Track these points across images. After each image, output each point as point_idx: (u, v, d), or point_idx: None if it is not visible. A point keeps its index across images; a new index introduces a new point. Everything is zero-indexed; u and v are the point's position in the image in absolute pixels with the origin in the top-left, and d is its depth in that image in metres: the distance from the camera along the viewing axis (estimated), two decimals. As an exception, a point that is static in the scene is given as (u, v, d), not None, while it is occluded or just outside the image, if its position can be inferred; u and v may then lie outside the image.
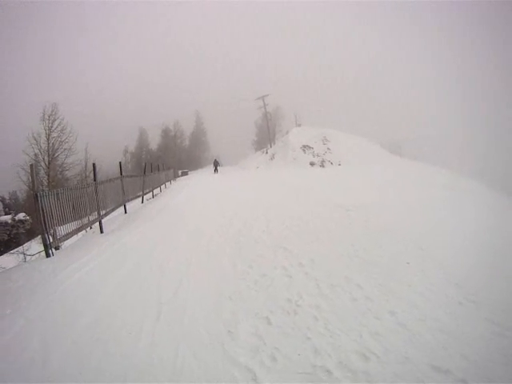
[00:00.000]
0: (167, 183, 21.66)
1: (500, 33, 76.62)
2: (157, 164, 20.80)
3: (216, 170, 31.00)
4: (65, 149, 20.36)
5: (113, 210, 9.66)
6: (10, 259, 9.58)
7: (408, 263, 4.54)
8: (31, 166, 5.98)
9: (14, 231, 8.01)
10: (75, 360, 2.76)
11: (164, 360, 2.72)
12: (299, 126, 38.36)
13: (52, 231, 5.93)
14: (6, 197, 27.36)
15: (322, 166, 26.40)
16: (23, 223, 8.18)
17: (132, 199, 12.32)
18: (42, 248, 5.84)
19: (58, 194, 6.27)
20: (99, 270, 4.92)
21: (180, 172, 37.30)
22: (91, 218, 7.78)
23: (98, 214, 8.16)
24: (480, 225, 6.56)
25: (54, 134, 20.12)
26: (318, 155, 27.93)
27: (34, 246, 10.43)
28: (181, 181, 24.75)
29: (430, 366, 2.49)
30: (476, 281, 3.92)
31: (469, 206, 8.75)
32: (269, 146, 40.95)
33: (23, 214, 8.35)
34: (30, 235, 12.40)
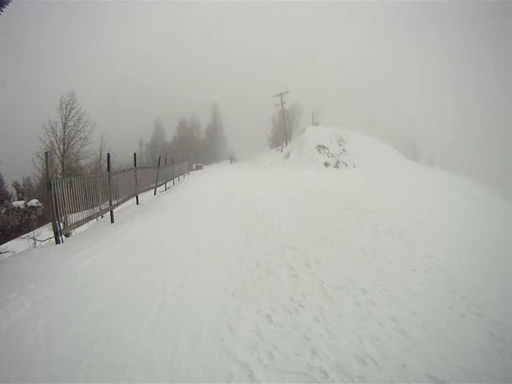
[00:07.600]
0: (180, 176, 21.80)
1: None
2: (171, 157, 20.95)
3: (231, 162, 42.31)
4: (80, 138, 20.48)
5: (125, 200, 9.79)
6: (20, 244, 9.79)
7: (414, 270, 4.47)
8: (46, 153, 6.11)
9: (26, 217, 8.16)
10: (78, 347, 2.82)
11: (163, 351, 2.75)
12: (316, 125, 37.94)
13: (63, 218, 6.04)
14: (20, 183, 27.78)
15: (337, 167, 26.05)
16: (35, 209, 8.32)
17: (145, 191, 12.45)
18: (53, 234, 5.94)
19: (70, 182, 6.40)
20: (107, 259, 5.01)
21: (194, 166, 37.58)
22: (103, 207, 7.91)
23: (110, 203, 8.29)
24: (489, 234, 6.40)
25: (71, 123, 20.23)
26: (332, 156, 27.57)
27: (45, 232, 10.63)
28: (194, 175, 24.83)
29: (427, 375, 2.46)
30: (482, 294, 3.82)
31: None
32: (284, 144, 40.66)
33: (36, 201, 8.48)
34: (41, 222, 12.62)
